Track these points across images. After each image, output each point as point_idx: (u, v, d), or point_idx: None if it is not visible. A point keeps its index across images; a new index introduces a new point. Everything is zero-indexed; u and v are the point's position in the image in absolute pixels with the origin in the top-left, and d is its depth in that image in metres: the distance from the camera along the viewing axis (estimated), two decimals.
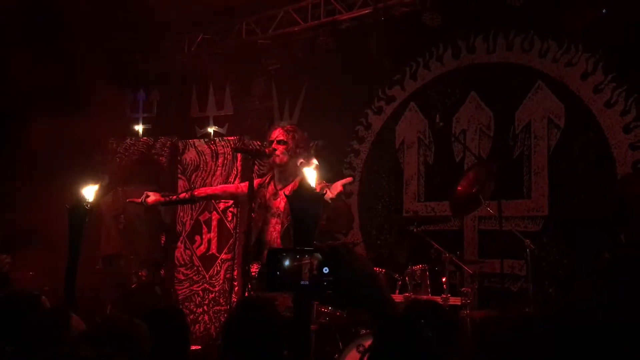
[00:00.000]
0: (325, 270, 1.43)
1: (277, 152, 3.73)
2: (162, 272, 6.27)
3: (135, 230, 6.06)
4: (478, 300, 4.44)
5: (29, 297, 2.34)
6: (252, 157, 3.55)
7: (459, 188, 4.76)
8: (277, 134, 3.83)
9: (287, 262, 1.48)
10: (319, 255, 1.44)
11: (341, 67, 6.42)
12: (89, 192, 3.22)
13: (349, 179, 3.77)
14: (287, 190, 3.67)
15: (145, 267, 5.98)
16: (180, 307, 6.03)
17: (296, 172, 3.79)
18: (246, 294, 3.41)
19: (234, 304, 5.08)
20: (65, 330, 2.18)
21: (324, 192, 3.39)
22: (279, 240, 3.65)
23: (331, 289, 1.42)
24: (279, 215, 3.70)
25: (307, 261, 1.45)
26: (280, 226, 3.68)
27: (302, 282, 1.45)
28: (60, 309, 2.33)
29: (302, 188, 2.53)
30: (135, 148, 6.61)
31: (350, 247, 1.54)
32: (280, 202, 3.72)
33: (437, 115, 5.14)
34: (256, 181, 3.80)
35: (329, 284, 1.42)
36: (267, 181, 3.85)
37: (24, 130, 5.67)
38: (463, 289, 4.26)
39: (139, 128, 6.83)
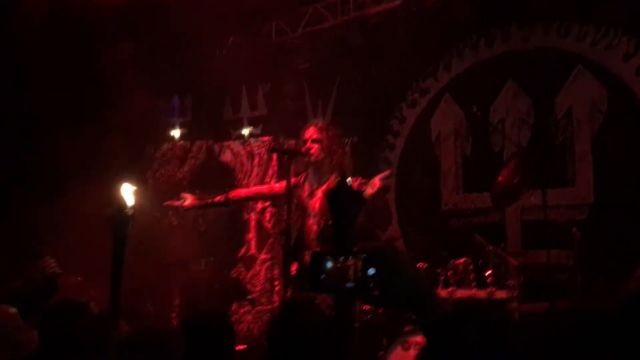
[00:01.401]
0: (371, 271, 1.39)
1: (312, 151, 3.70)
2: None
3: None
4: (524, 293, 4.33)
5: (74, 306, 2.37)
6: (288, 157, 3.53)
7: (500, 179, 4.65)
8: (311, 132, 3.80)
9: (330, 265, 1.45)
10: (363, 257, 1.41)
11: (373, 62, 6.36)
12: (129, 196, 3.22)
13: (387, 173, 3.73)
14: (324, 189, 3.65)
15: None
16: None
17: (331, 170, 3.76)
18: (288, 294, 3.40)
19: (277, 305, 5.09)
20: (113, 337, 2.19)
21: (362, 189, 3.35)
22: (316, 241, 3.62)
23: (377, 291, 1.39)
24: (314, 216, 3.67)
25: (351, 263, 1.42)
26: (316, 226, 3.65)
27: (347, 285, 1.42)
28: (107, 316, 2.34)
29: (340, 186, 2.49)
30: (173, 153, 6.68)
31: (396, 247, 1.51)
32: (316, 202, 3.69)
33: (474, 106, 5.03)
34: (291, 181, 3.77)
35: (375, 285, 1.39)
36: (301, 181, 3.82)
37: (61, 140, 5.79)
38: (509, 282, 4.16)
39: (175, 133, 6.90)
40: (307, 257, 3.60)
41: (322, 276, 1.46)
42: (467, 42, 5.91)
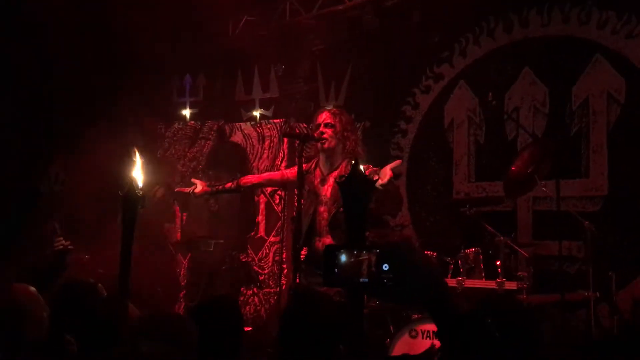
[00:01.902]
0: (385, 267, 1.38)
1: (325, 136, 3.65)
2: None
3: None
4: (534, 284, 4.30)
5: (85, 287, 2.37)
6: (300, 142, 3.50)
7: (513, 168, 4.60)
8: (325, 117, 3.75)
9: (344, 259, 1.43)
10: (377, 252, 1.39)
11: (387, 46, 6.27)
12: (139, 176, 3.20)
13: (398, 162, 3.67)
14: (335, 175, 3.61)
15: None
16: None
17: (343, 156, 3.72)
18: (297, 281, 3.39)
19: (284, 288, 5.10)
20: (123, 319, 2.19)
21: (375, 178, 3.31)
22: (327, 227, 3.60)
23: (392, 287, 1.37)
24: (326, 203, 3.63)
25: (364, 257, 1.41)
26: (327, 213, 3.62)
27: (361, 279, 1.41)
28: (116, 298, 2.34)
29: (353, 174, 2.46)
30: (183, 132, 6.67)
31: (411, 244, 1.50)
32: (328, 189, 3.65)
33: (490, 94, 4.96)
34: (303, 167, 3.74)
35: (389, 281, 1.37)
36: (313, 166, 3.79)
37: (72, 119, 5.78)
38: (519, 272, 4.13)
39: (186, 112, 6.88)
40: (318, 243, 3.57)
41: (336, 270, 1.46)
42: (484, 27, 5.81)
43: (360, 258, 1.43)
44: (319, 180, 3.71)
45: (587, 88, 5.16)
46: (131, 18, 5.98)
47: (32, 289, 2.25)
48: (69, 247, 3.14)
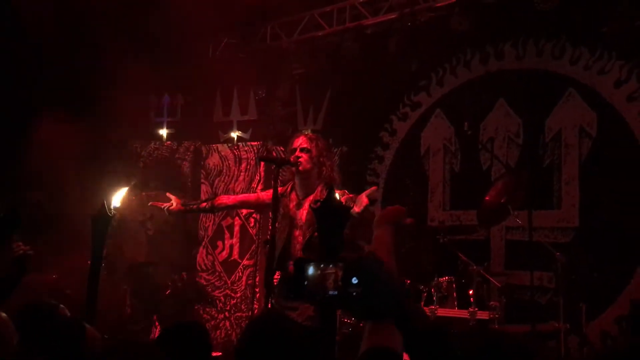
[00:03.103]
0: (354, 280, 1.39)
1: (301, 159, 3.66)
2: (184, 275, 6.24)
3: (163, 236, 6.00)
4: (506, 314, 4.31)
5: (46, 308, 2.31)
6: (276, 166, 3.49)
7: (487, 198, 4.65)
8: (301, 141, 3.76)
9: (312, 271, 1.45)
10: (344, 265, 1.41)
11: (366, 73, 6.35)
12: (115, 199, 3.19)
13: (374, 188, 3.68)
14: (310, 199, 3.60)
15: (176, 273, 5.95)
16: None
17: (319, 181, 3.72)
18: (269, 305, 3.35)
19: (252, 317, 5.04)
20: (81, 342, 2.14)
21: (351, 206, 3.32)
22: (301, 251, 3.58)
23: (360, 300, 1.38)
24: (301, 227, 3.62)
25: (332, 271, 1.42)
26: (302, 237, 3.61)
27: (330, 292, 1.43)
28: (75, 320, 2.29)
29: (328, 200, 2.45)
30: (159, 152, 6.61)
31: (378, 258, 1.50)
32: (303, 213, 3.64)
33: (466, 123, 5.03)
34: (278, 190, 3.72)
35: (357, 294, 1.38)
36: (288, 190, 3.78)
37: (46, 132, 5.70)
38: (491, 302, 4.15)
39: (163, 132, 6.83)
40: (292, 267, 3.55)
41: (306, 283, 1.47)
42: (461, 58, 5.92)
43: (328, 271, 1.44)
44: (294, 204, 3.70)
45: (560, 121, 5.27)
46: (111, 36, 5.96)
47: (3, 314, 2.18)
48: (29, 252, 3.10)
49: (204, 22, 6.27)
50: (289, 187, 3.79)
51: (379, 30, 6.19)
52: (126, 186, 3.07)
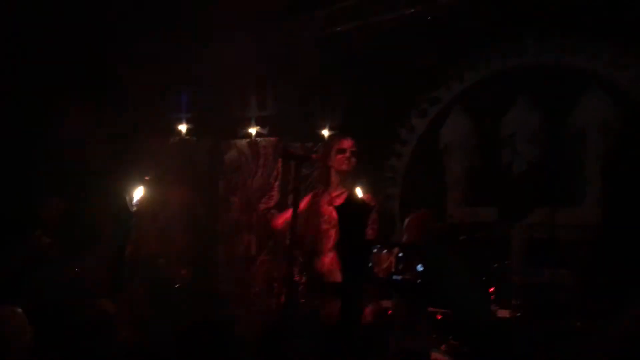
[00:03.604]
0: (419, 267, 1.40)
1: (353, 161, 3.89)
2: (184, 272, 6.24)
3: (173, 229, 6.03)
4: (527, 312, 4.26)
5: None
6: (297, 163, 3.49)
7: (508, 194, 4.59)
8: (351, 144, 3.97)
9: (376, 256, 1.46)
10: (409, 252, 1.41)
11: (384, 69, 6.30)
12: (136, 195, 3.21)
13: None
14: (342, 198, 3.70)
15: (185, 266, 5.97)
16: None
17: (349, 181, 3.85)
18: (288, 300, 3.35)
19: (273, 307, 5.03)
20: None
21: (373, 204, 3.38)
22: (332, 247, 3.59)
23: (427, 287, 1.39)
24: (330, 222, 3.66)
25: (398, 255, 1.43)
26: (335, 234, 3.64)
27: (394, 277, 1.44)
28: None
29: (352, 201, 2.45)
30: (177, 148, 6.63)
31: (444, 247, 1.51)
32: (333, 211, 3.71)
33: (485, 120, 4.97)
34: (311, 194, 3.87)
35: (423, 281, 1.39)
36: (321, 191, 3.86)
37: (64, 128, 5.74)
38: (513, 301, 4.10)
39: (182, 128, 6.85)
40: (320, 264, 3.56)
41: (370, 265, 1.49)
42: (481, 53, 5.86)
43: (392, 255, 1.46)
44: (326, 200, 3.76)
45: (583, 116, 5.19)
46: (130, 35, 5.99)
47: (18, 310, 2.21)
48: (48, 241, 3.18)
49: (223, 19, 6.29)
50: (322, 188, 3.86)
51: (397, 26, 6.13)
52: (143, 182, 3.08)
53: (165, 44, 6.34)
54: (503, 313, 4.00)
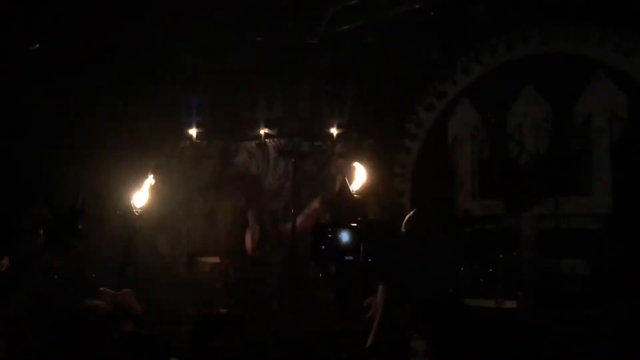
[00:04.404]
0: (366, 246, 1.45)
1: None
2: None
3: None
4: (535, 301, 4.25)
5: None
6: (295, 160, 3.54)
7: (516, 185, 4.58)
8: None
9: (330, 237, 1.51)
10: (359, 232, 1.46)
11: (390, 64, 6.31)
12: (140, 198, 3.27)
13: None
14: None
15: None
16: None
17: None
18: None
19: None
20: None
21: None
22: None
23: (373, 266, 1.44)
24: None
25: (348, 236, 1.48)
26: None
27: (346, 257, 1.49)
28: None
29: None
30: (189, 152, 6.70)
31: (388, 224, 1.56)
32: None
33: (489, 112, 4.96)
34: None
35: (370, 259, 1.44)
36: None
37: (75, 133, 5.83)
38: (519, 291, 4.09)
39: (192, 132, 6.93)
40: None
41: (323, 247, 1.54)
42: (487, 45, 5.84)
43: (345, 237, 1.51)
44: None
45: (590, 105, 5.15)
46: (137, 41, 6.08)
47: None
48: None
49: (228, 19, 6.34)
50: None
51: (402, 21, 6.13)
52: (146, 186, 3.15)
53: (170, 46, 6.41)
54: (510, 303, 3.99)
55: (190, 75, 6.80)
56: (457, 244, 4.73)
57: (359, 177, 3.53)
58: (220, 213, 5.89)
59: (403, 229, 3.20)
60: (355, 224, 1.50)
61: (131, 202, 3.19)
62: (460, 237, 4.79)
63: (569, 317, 3.98)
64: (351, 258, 1.50)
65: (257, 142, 6.74)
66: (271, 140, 6.55)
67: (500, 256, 4.22)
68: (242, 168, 6.75)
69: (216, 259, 5.83)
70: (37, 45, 5.47)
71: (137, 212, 3.22)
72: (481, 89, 5.84)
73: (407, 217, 3.29)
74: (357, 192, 3.36)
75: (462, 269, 4.24)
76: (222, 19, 6.29)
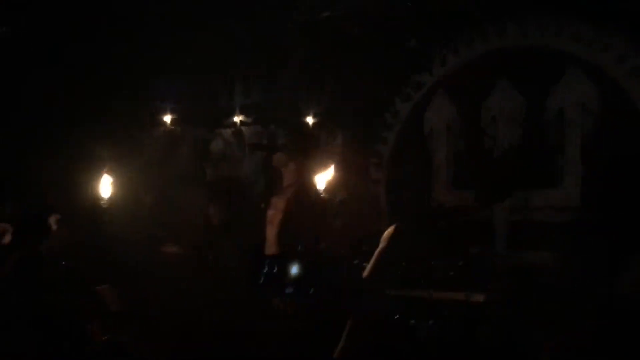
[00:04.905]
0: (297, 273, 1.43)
1: None
2: None
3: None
4: (507, 294, 4.30)
5: None
6: (267, 153, 3.52)
7: (489, 176, 4.59)
8: None
9: (269, 269, 1.50)
10: (299, 264, 1.45)
11: (368, 55, 6.29)
12: (104, 188, 3.23)
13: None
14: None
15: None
16: None
17: None
18: None
19: None
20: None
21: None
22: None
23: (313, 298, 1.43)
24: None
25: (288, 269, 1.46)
26: None
27: (286, 290, 1.47)
28: None
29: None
30: (164, 139, 6.65)
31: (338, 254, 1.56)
32: None
33: (468, 102, 4.96)
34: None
35: (309, 289, 1.43)
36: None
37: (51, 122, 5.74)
38: (489, 285, 4.14)
39: (167, 118, 6.86)
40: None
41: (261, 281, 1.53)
42: (463, 37, 5.84)
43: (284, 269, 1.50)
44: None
45: (562, 98, 5.20)
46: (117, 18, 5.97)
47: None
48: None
49: (206, 5, 6.25)
50: None
51: (380, 12, 6.11)
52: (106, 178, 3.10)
53: (147, 30, 6.31)
54: (478, 297, 4.03)
55: (166, 60, 6.72)
56: (430, 236, 4.76)
57: (326, 176, 3.50)
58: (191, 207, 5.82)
59: (383, 243, 3.16)
60: (295, 255, 1.48)
61: (97, 193, 3.15)
62: (435, 228, 4.80)
63: (538, 309, 4.04)
64: (291, 290, 1.48)
65: (232, 129, 6.71)
66: (249, 128, 6.53)
67: (472, 249, 4.26)
68: (218, 155, 6.71)
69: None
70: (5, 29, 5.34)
71: (103, 203, 3.18)
72: (457, 80, 5.85)
73: (387, 232, 3.26)
74: (324, 192, 3.33)
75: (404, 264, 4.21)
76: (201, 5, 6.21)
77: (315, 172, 3.82)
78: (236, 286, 3.26)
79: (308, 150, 5.26)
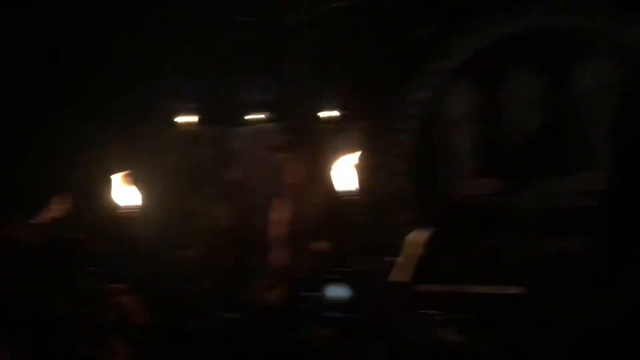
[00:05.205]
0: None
1: None
2: None
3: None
4: (535, 284, 4.19)
5: None
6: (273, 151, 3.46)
7: (513, 163, 4.47)
8: None
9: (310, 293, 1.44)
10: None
11: (384, 43, 6.19)
12: (122, 196, 3.19)
13: None
14: None
15: None
16: None
17: None
18: None
19: None
20: None
21: None
22: None
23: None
24: None
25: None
26: None
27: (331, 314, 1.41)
28: None
29: None
30: (179, 139, 6.62)
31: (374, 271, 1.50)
32: None
33: (489, 88, 4.85)
34: None
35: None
36: None
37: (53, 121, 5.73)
38: (519, 275, 4.03)
39: (183, 118, 6.83)
40: None
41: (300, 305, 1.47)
42: (484, 19, 5.70)
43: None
44: None
45: (587, 79, 5.05)
46: (126, 22, 5.95)
47: None
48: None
49: (214, 3, 6.21)
50: None
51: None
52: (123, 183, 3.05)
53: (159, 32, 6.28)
54: (510, 289, 3.89)
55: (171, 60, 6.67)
56: (455, 226, 4.66)
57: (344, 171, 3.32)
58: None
59: (419, 249, 3.02)
60: (338, 276, 1.40)
61: (115, 200, 3.11)
62: (458, 217, 4.72)
63: (567, 299, 3.93)
64: (339, 315, 1.40)
65: (247, 127, 6.65)
66: (263, 124, 6.47)
67: (498, 239, 4.16)
68: (237, 154, 6.67)
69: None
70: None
71: (122, 210, 3.14)
72: (477, 65, 5.72)
73: (413, 236, 3.14)
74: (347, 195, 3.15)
75: None
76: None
77: (327, 169, 3.70)
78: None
79: (316, 148, 5.20)
